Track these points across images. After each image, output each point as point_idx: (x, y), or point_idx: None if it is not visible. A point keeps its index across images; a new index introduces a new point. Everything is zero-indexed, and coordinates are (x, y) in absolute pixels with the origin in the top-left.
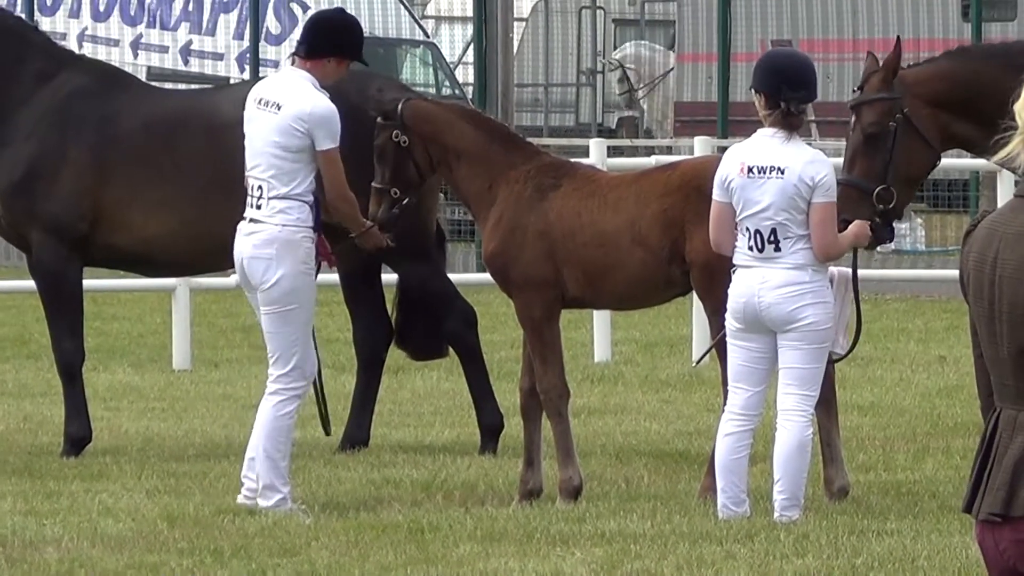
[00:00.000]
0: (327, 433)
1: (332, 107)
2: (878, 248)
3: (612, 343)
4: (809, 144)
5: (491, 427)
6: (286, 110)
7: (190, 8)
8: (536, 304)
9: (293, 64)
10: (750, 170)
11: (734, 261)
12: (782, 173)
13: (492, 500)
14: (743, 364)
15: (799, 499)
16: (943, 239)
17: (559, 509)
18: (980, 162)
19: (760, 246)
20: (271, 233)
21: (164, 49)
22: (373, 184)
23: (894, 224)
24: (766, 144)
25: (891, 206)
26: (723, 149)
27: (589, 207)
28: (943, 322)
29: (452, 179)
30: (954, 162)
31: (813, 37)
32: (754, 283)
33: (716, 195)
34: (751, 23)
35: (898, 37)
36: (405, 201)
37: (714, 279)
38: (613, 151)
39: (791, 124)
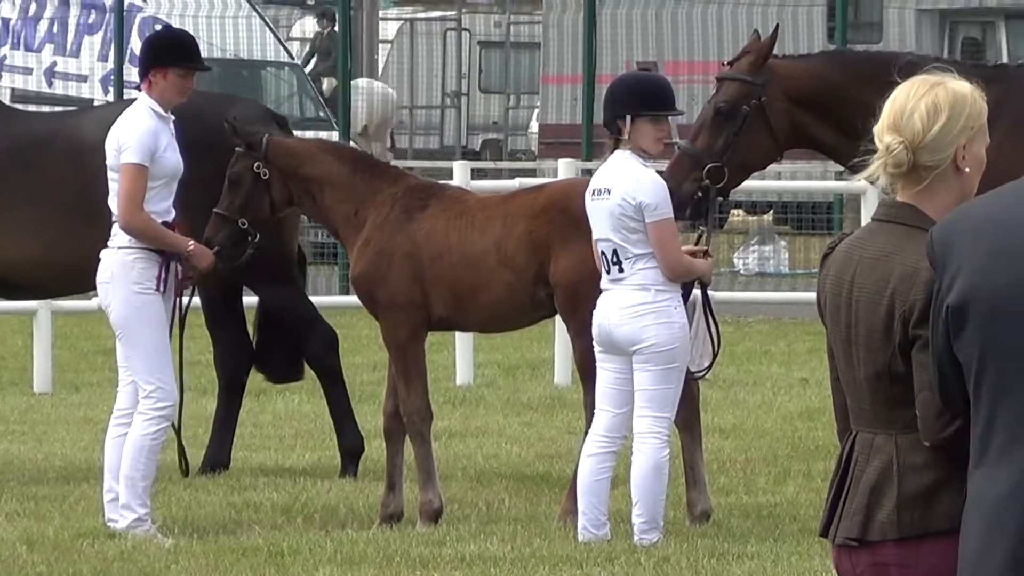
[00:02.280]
0: (184, 474)
1: (142, 124)
2: (741, 270)
3: (474, 366)
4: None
5: (352, 450)
6: (111, 133)
7: (54, 29)
8: (402, 326)
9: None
10: (593, 193)
11: (600, 285)
12: (608, 194)
13: (352, 523)
14: (607, 386)
15: (658, 522)
16: (807, 261)
17: (419, 532)
18: (844, 184)
19: (608, 268)
20: (109, 258)
21: (28, 71)
22: (217, 210)
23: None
24: (607, 166)
25: (718, 185)
26: (588, 171)
27: (457, 228)
28: (806, 344)
29: (317, 210)
30: (818, 184)
31: (678, 59)
32: (605, 307)
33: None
34: (616, 45)
35: (777, 25)
36: (250, 237)
37: (578, 301)
38: (477, 173)
39: (613, 145)
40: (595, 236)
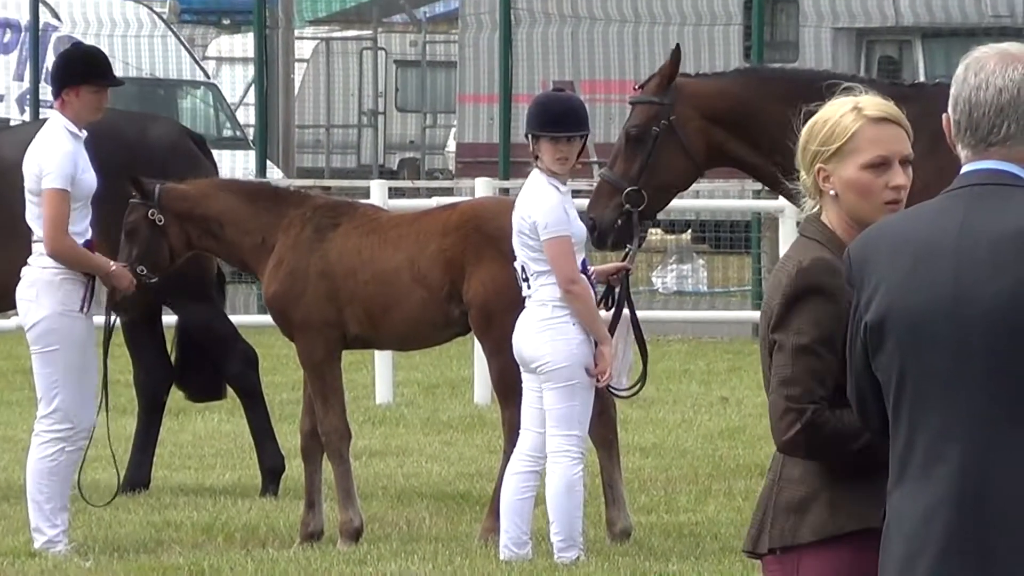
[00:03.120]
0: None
1: (60, 148)
2: (660, 289)
3: (394, 385)
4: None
5: (272, 469)
6: (28, 155)
7: None
8: (318, 345)
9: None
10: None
11: None
12: (515, 212)
13: (273, 542)
14: (529, 405)
15: (576, 539)
16: (725, 280)
17: (340, 551)
18: (762, 203)
19: (520, 285)
20: (33, 276)
21: None
22: (118, 262)
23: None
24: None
25: (639, 208)
26: (504, 191)
27: (369, 245)
28: (726, 363)
29: (221, 247)
30: (736, 203)
31: (595, 78)
32: (518, 323)
33: None
34: (532, 64)
35: (677, 45)
36: (152, 280)
37: (491, 320)
38: (395, 192)
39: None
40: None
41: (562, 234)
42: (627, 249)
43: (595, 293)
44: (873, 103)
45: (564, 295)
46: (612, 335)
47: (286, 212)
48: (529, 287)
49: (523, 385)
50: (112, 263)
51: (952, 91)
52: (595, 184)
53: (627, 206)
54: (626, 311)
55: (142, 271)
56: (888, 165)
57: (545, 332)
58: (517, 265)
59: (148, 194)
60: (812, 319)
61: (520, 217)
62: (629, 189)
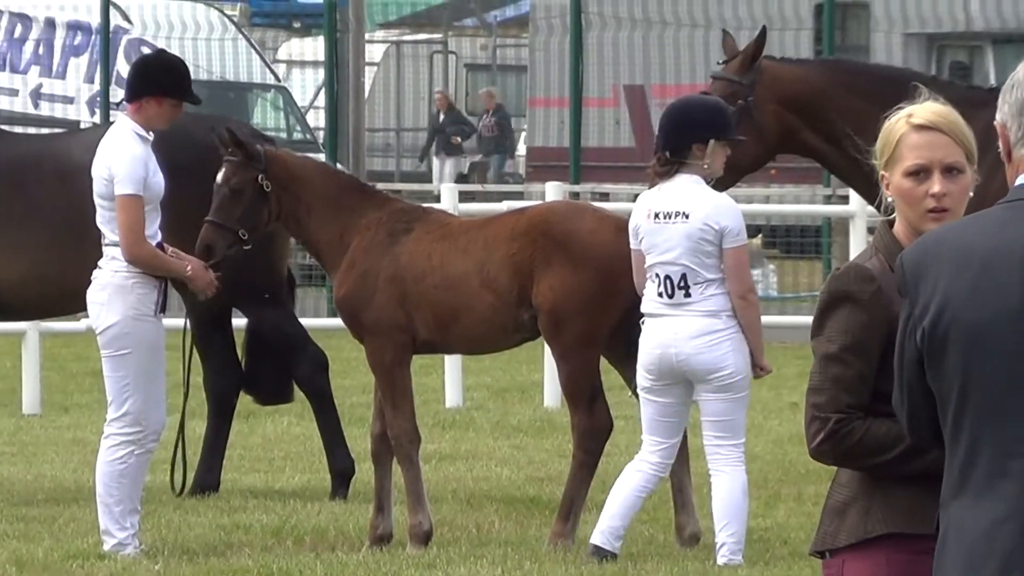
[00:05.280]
0: (177, 492)
1: (130, 152)
2: None
3: (464, 388)
4: None
5: (342, 472)
6: (97, 159)
7: (40, 51)
8: (387, 349)
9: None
10: (659, 215)
11: (642, 309)
12: (685, 218)
13: (342, 545)
14: (659, 419)
15: (743, 544)
16: (795, 285)
17: (409, 555)
18: (832, 208)
19: (670, 292)
20: (104, 279)
21: (14, 92)
22: (214, 219)
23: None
24: (673, 189)
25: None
26: (575, 195)
27: (440, 251)
28: (795, 368)
29: (301, 231)
30: (806, 208)
31: (665, 82)
32: (668, 334)
33: (631, 243)
34: (603, 68)
35: (764, 27)
36: (248, 247)
37: (560, 324)
38: (465, 196)
39: (656, 171)
40: (655, 259)
41: (747, 242)
42: None
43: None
44: (924, 109)
45: (742, 304)
46: None
47: (367, 213)
48: (688, 295)
49: (643, 396)
50: (189, 266)
51: (1011, 97)
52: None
53: None
54: None
55: (243, 235)
56: (928, 173)
57: (724, 343)
58: (672, 272)
59: (255, 157)
60: (841, 327)
61: (703, 223)
62: None
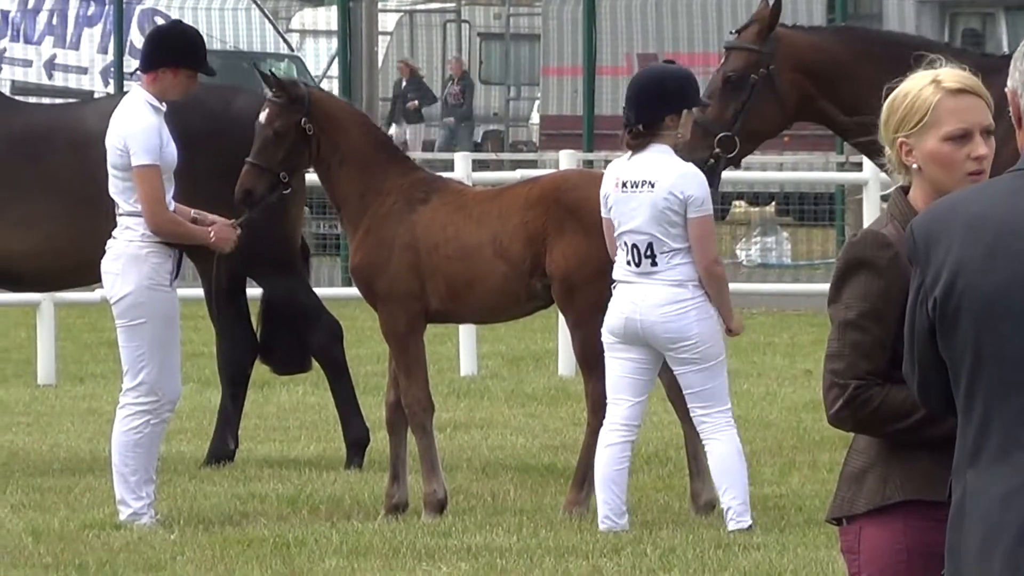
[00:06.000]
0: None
1: (143, 122)
2: (744, 262)
3: (478, 357)
4: None
5: (357, 441)
6: (111, 129)
7: (54, 22)
8: (400, 317)
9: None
10: (625, 184)
11: (614, 276)
12: (651, 187)
13: (358, 514)
14: (623, 376)
15: (747, 505)
16: (809, 253)
17: (425, 523)
18: (845, 175)
19: (637, 261)
20: (118, 249)
21: (28, 63)
22: (255, 162)
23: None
24: (643, 159)
25: (729, 155)
26: (589, 163)
27: (454, 221)
28: (809, 336)
29: (329, 179)
30: (819, 175)
31: (679, 51)
32: (635, 300)
33: (602, 211)
34: (616, 36)
35: None
36: (286, 191)
37: (574, 292)
38: (479, 165)
39: (629, 144)
40: (623, 228)
41: (711, 212)
42: None
43: None
44: (952, 75)
45: (707, 274)
46: None
47: (391, 178)
48: (654, 264)
49: (608, 356)
50: (211, 230)
51: (1022, 65)
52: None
53: (717, 150)
54: None
55: (284, 177)
56: (969, 136)
57: (689, 312)
58: (638, 241)
59: (300, 100)
60: (859, 293)
61: (668, 192)
62: (723, 135)
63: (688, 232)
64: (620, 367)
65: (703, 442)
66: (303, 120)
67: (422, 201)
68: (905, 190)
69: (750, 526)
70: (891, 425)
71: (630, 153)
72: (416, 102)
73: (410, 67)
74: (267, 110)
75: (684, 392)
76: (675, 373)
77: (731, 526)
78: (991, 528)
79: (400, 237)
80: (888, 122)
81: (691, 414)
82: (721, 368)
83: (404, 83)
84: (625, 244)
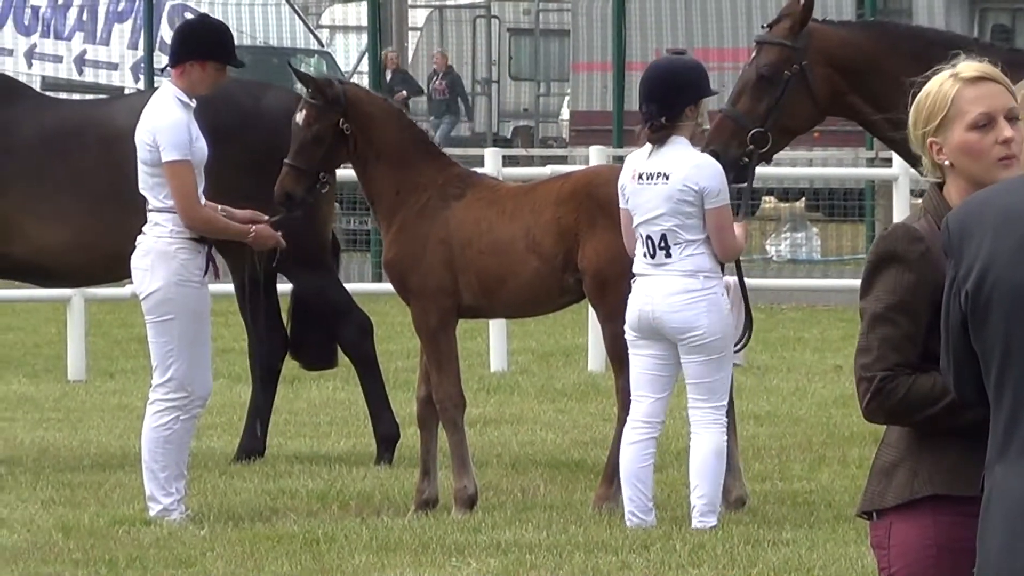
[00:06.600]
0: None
1: (172, 117)
2: (774, 257)
3: (508, 353)
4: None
5: (387, 437)
6: (141, 125)
7: (84, 18)
8: (432, 312)
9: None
10: (642, 176)
11: (633, 269)
12: (666, 179)
13: (388, 510)
14: (645, 372)
15: (716, 506)
16: (839, 248)
17: (455, 519)
18: (876, 171)
19: (652, 252)
20: (147, 245)
21: (58, 59)
22: (294, 164)
23: (793, 234)
24: (661, 151)
25: (762, 150)
26: (619, 159)
27: (488, 216)
28: (839, 331)
29: (365, 173)
30: (849, 171)
31: (708, 46)
32: (648, 292)
33: (620, 202)
34: (646, 32)
35: None
36: (324, 189)
37: (606, 286)
38: (509, 161)
39: (650, 138)
40: (639, 219)
41: (728, 202)
42: (736, 203)
43: None
44: (970, 65)
45: (726, 261)
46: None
47: (426, 172)
48: (668, 256)
49: (631, 352)
50: (252, 227)
51: None
52: (715, 120)
53: (751, 147)
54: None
55: (323, 176)
56: (993, 122)
57: (698, 303)
58: (652, 233)
59: (336, 100)
60: (889, 286)
61: (683, 183)
62: (756, 131)
63: (707, 223)
64: (642, 363)
65: (691, 433)
66: (340, 121)
67: (457, 197)
68: (940, 185)
69: (713, 527)
70: (921, 412)
71: (651, 147)
72: (404, 92)
73: (396, 60)
74: (304, 112)
75: (686, 381)
76: (682, 362)
77: (695, 524)
78: (1017, 524)
79: (434, 233)
80: (916, 124)
81: (688, 403)
82: (726, 363)
83: (390, 75)
84: (641, 236)
